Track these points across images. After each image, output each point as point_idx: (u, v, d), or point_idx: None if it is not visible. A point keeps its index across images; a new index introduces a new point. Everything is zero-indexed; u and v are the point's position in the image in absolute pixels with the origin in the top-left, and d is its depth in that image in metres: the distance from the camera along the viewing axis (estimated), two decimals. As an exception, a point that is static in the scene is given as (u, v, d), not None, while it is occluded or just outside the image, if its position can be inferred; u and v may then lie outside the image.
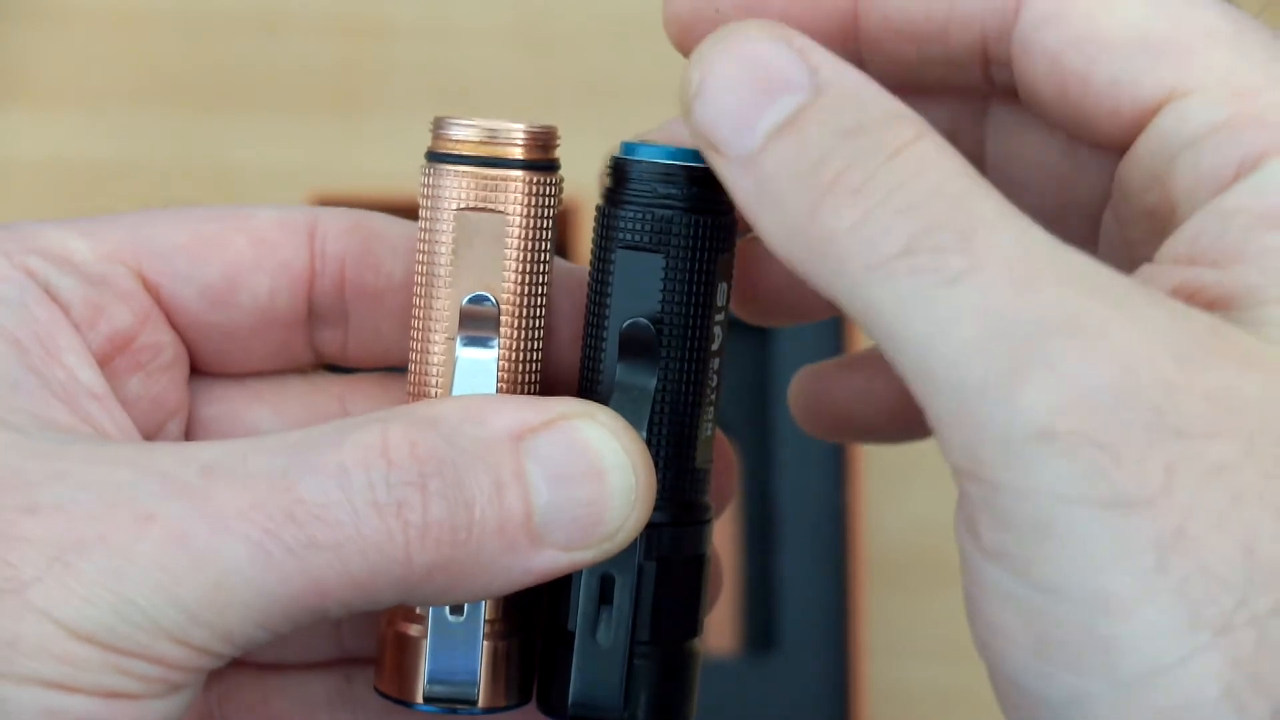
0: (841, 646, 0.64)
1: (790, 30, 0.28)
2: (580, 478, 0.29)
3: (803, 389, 0.39)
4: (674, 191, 0.31)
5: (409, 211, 0.76)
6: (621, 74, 0.74)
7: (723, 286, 0.32)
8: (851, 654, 0.63)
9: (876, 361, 0.36)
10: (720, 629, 0.66)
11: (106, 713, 0.27)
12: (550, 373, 0.33)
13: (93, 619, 0.27)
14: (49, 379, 0.30)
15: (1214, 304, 0.27)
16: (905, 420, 0.36)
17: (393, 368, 0.35)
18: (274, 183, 0.73)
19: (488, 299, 0.32)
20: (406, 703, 0.32)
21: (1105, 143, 0.30)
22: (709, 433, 0.32)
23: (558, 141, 0.33)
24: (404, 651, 0.32)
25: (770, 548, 0.67)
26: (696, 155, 0.30)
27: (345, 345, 0.35)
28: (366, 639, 0.35)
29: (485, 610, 0.32)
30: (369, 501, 0.28)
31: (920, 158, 0.27)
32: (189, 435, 0.34)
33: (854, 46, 0.31)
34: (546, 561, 0.29)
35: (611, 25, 0.76)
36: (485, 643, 0.32)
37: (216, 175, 0.74)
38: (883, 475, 0.68)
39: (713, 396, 0.32)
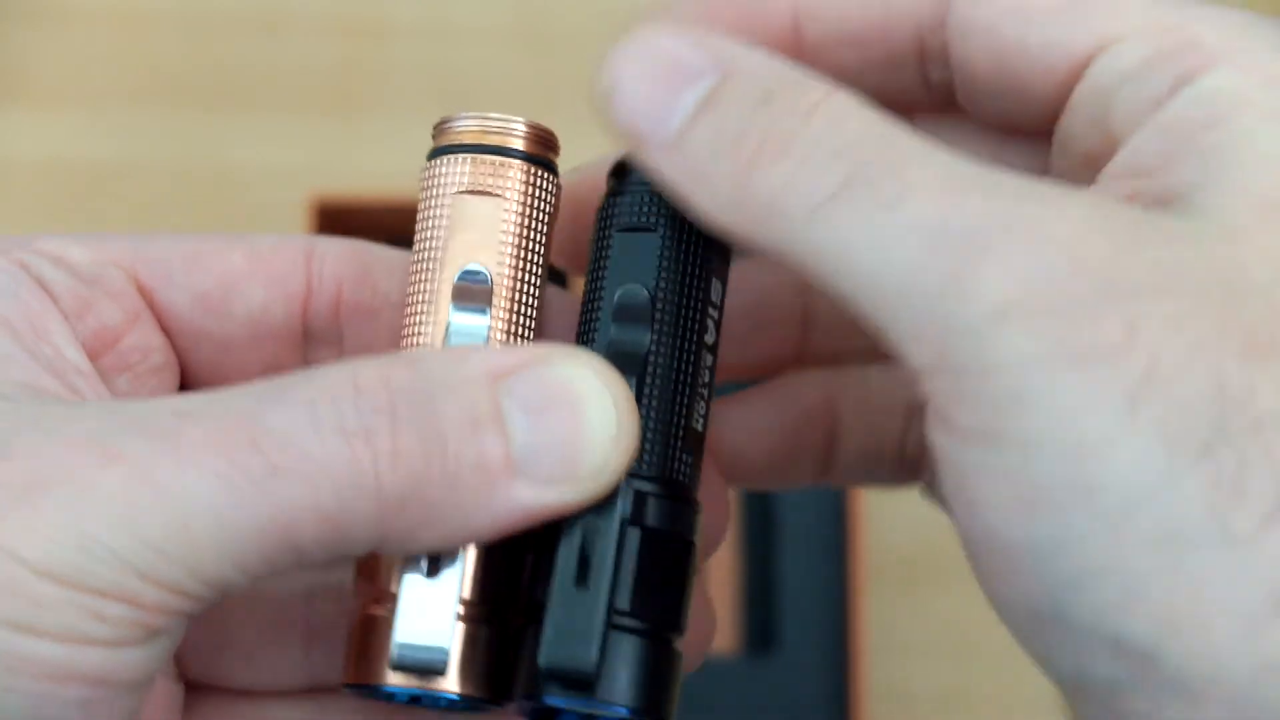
0: (841, 646, 0.64)
1: (690, 26, 0.30)
2: (558, 410, 0.29)
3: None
4: None
5: (408, 211, 0.76)
6: (621, 74, 0.74)
7: (717, 284, 0.32)
8: (851, 654, 0.64)
9: (754, 400, 0.37)
10: (720, 629, 0.66)
11: (79, 660, 0.27)
12: None
13: (57, 556, 0.26)
14: (38, 354, 0.30)
15: (1154, 204, 0.28)
16: (785, 458, 0.37)
17: None
18: (274, 183, 0.73)
19: (481, 272, 0.32)
20: (372, 685, 0.31)
21: (1042, 110, 0.31)
22: (700, 426, 0.32)
23: (558, 144, 0.33)
24: (372, 633, 0.31)
25: (770, 548, 0.67)
26: None
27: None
28: (339, 664, 0.33)
29: (463, 585, 0.30)
30: (336, 428, 0.27)
31: (836, 110, 0.28)
32: None
33: (797, 58, 0.32)
34: (528, 497, 0.28)
35: (611, 25, 0.76)
36: (462, 624, 0.30)
37: (216, 175, 0.74)
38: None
39: (705, 390, 0.32)
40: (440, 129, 0.33)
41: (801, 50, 0.32)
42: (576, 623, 0.29)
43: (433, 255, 0.32)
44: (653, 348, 0.31)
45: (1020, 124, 0.32)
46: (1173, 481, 0.25)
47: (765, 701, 0.64)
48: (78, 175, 0.74)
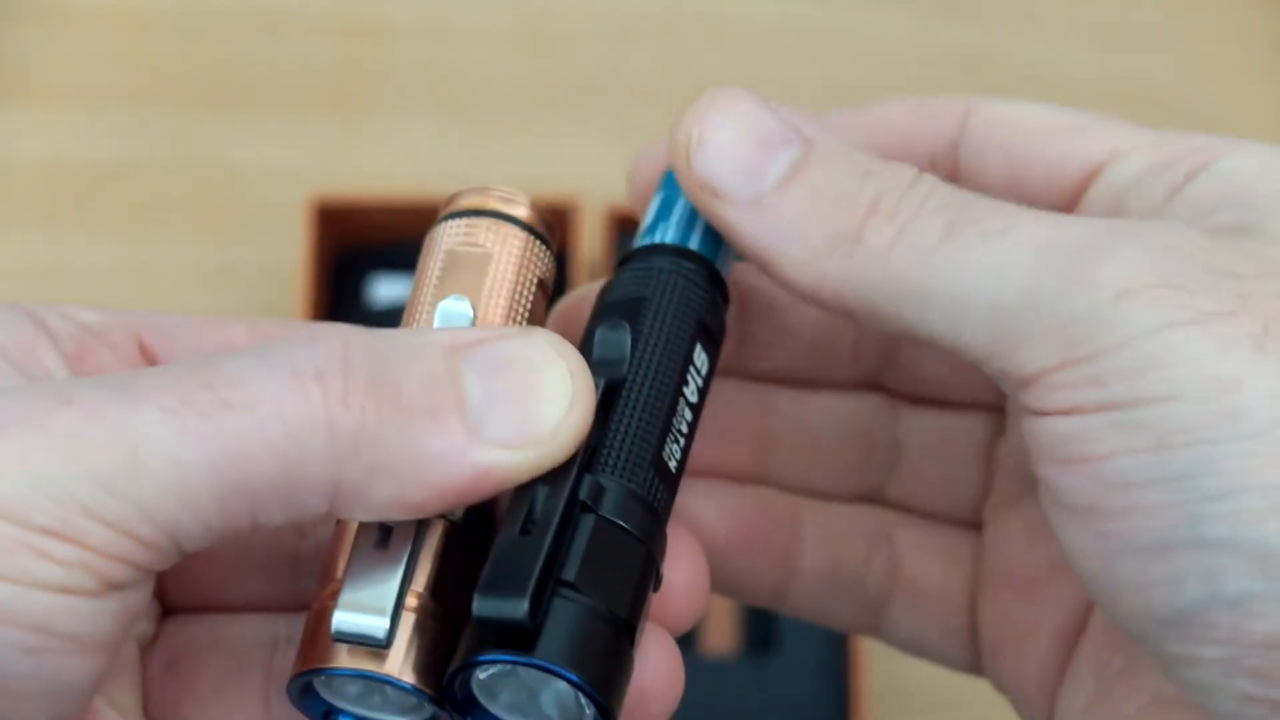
0: (841, 646, 0.64)
1: (759, 99, 0.33)
2: (513, 373, 0.29)
3: None
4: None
5: (408, 211, 0.76)
6: (621, 74, 0.74)
7: (703, 354, 0.33)
8: (851, 654, 0.63)
9: (725, 486, 0.39)
10: (720, 629, 0.66)
11: (25, 601, 0.26)
12: None
13: (6, 493, 0.26)
14: (27, 372, 0.30)
15: None
16: (746, 545, 0.38)
17: None
18: (274, 183, 0.73)
19: (466, 305, 0.32)
20: (313, 670, 0.30)
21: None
22: (672, 466, 0.32)
23: (555, 228, 0.34)
24: (320, 624, 0.30)
25: (770, 548, 0.67)
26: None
27: None
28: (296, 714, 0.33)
29: (415, 575, 0.30)
30: (288, 369, 0.28)
31: (933, 182, 0.32)
32: None
33: None
34: (481, 456, 0.28)
35: (611, 25, 0.76)
36: (412, 614, 0.30)
37: (216, 175, 0.74)
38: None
39: (680, 435, 0.32)
40: (447, 201, 0.34)
41: None
42: (513, 571, 0.29)
43: (423, 296, 0.33)
44: (631, 373, 0.31)
45: None
46: None
47: (765, 701, 0.64)
48: (78, 175, 0.74)
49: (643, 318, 0.32)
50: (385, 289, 0.69)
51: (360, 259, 0.69)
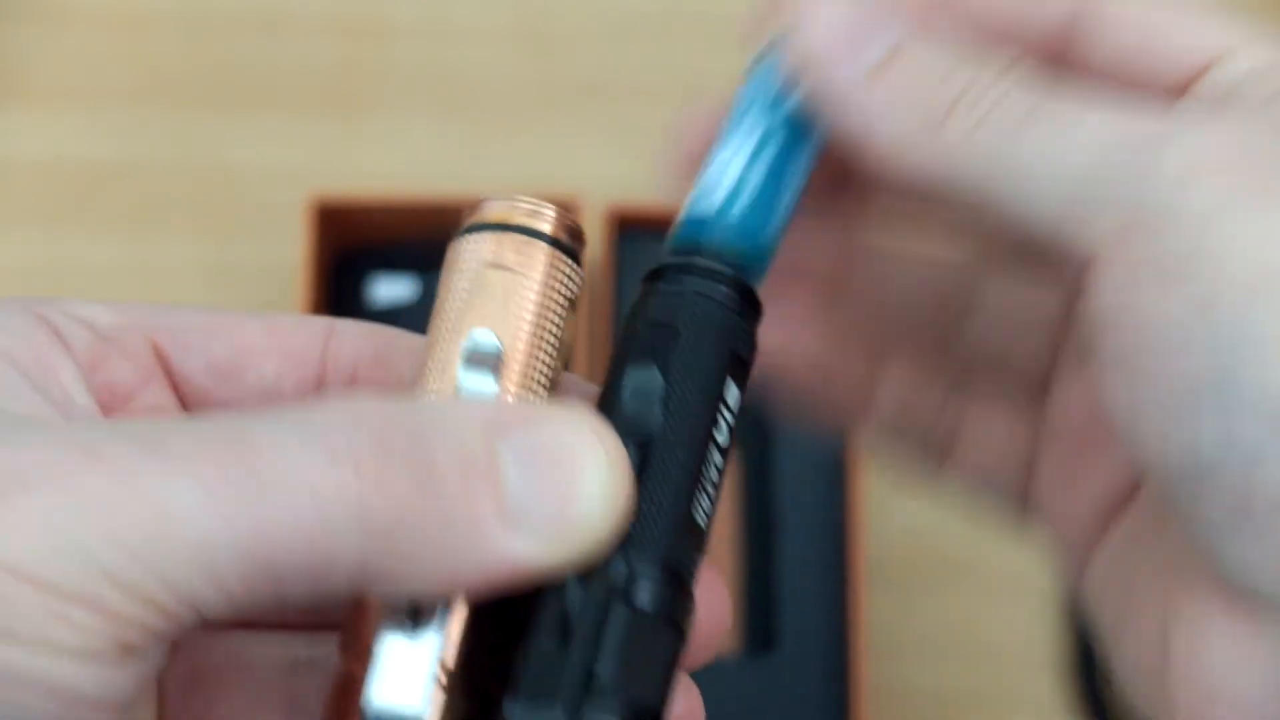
0: (841, 646, 0.64)
1: None
2: (553, 464, 0.28)
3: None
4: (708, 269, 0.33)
5: (408, 211, 0.76)
6: (621, 74, 0.74)
7: (734, 388, 0.32)
8: (851, 654, 0.63)
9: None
10: (720, 629, 0.66)
11: (47, 669, 0.26)
12: None
13: (30, 554, 0.26)
14: (46, 393, 0.30)
15: None
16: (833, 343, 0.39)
17: None
18: (274, 183, 0.73)
19: (493, 340, 0.31)
20: None
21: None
22: (702, 522, 0.31)
23: (584, 237, 0.33)
24: (348, 693, 0.30)
25: (770, 548, 0.67)
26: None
27: None
28: None
29: (445, 648, 0.30)
30: (325, 448, 0.27)
31: (1023, 71, 0.33)
32: None
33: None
34: (516, 548, 0.28)
35: (611, 25, 0.76)
36: (440, 692, 0.29)
37: (216, 175, 0.74)
38: (883, 476, 0.68)
39: (711, 487, 0.31)
40: (471, 210, 0.33)
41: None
42: (548, 678, 0.29)
43: (447, 323, 0.32)
44: (662, 431, 0.31)
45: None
46: None
47: (765, 701, 0.64)
48: (78, 175, 0.74)
49: (673, 358, 0.32)
50: (385, 289, 0.69)
51: (360, 259, 0.69)
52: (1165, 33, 0.34)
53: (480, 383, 0.31)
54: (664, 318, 0.32)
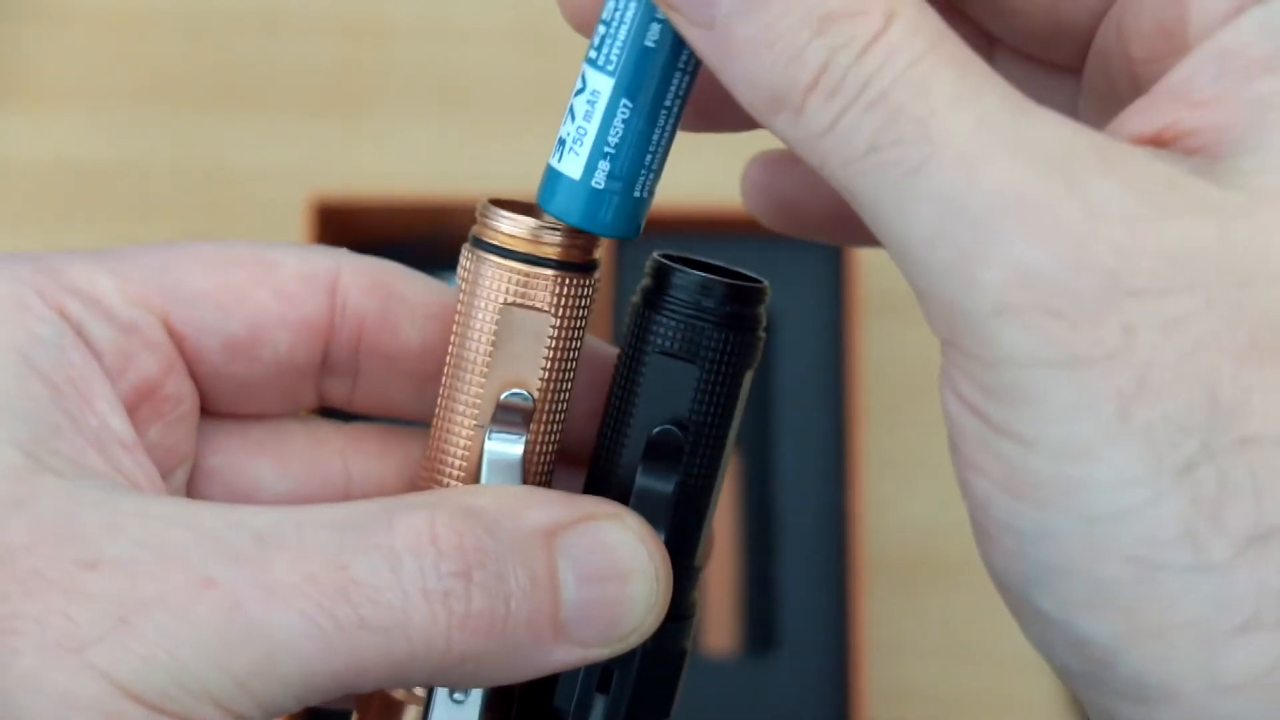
0: (841, 646, 0.64)
1: None
2: (607, 580, 0.31)
3: (752, 179, 0.38)
4: (713, 306, 0.32)
5: (408, 211, 0.75)
6: (621, 74, 0.74)
7: (743, 396, 0.32)
8: (851, 654, 0.63)
9: None
10: (720, 629, 0.66)
11: None
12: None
13: (147, 680, 0.27)
14: (83, 425, 0.31)
15: (1195, 150, 0.28)
16: (845, 220, 0.34)
17: (394, 420, 0.35)
18: (274, 183, 0.73)
19: (525, 396, 0.32)
20: None
21: (1087, 22, 0.31)
22: (708, 530, 0.33)
23: (600, 241, 0.32)
24: (388, 717, 0.32)
25: (770, 548, 0.67)
26: (737, 274, 0.32)
27: (351, 395, 0.35)
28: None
29: (485, 694, 0.32)
30: (419, 588, 0.29)
31: (889, 45, 0.27)
32: (192, 483, 0.34)
33: None
34: (564, 656, 0.30)
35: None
36: None
37: (216, 175, 0.74)
38: (882, 476, 0.68)
39: (717, 497, 0.33)
40: (485, 220, 0.32)
41: None
42: None
43: (472, 364, 0.32)
44: (679, 486, 0.32)
45: (1061, 28, 0.32)
46: (1153, 498, 0.25)
47: (765, 701, 0.64)
48: (78, 175, 0.74)
49: (693, 404, 0.32)
50: (385, 289, 0.69)
51: (360, 259, 0.69)
52: None
53: (508, 442, 0.32)
54: (677, 347, 0.32)
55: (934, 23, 0.27)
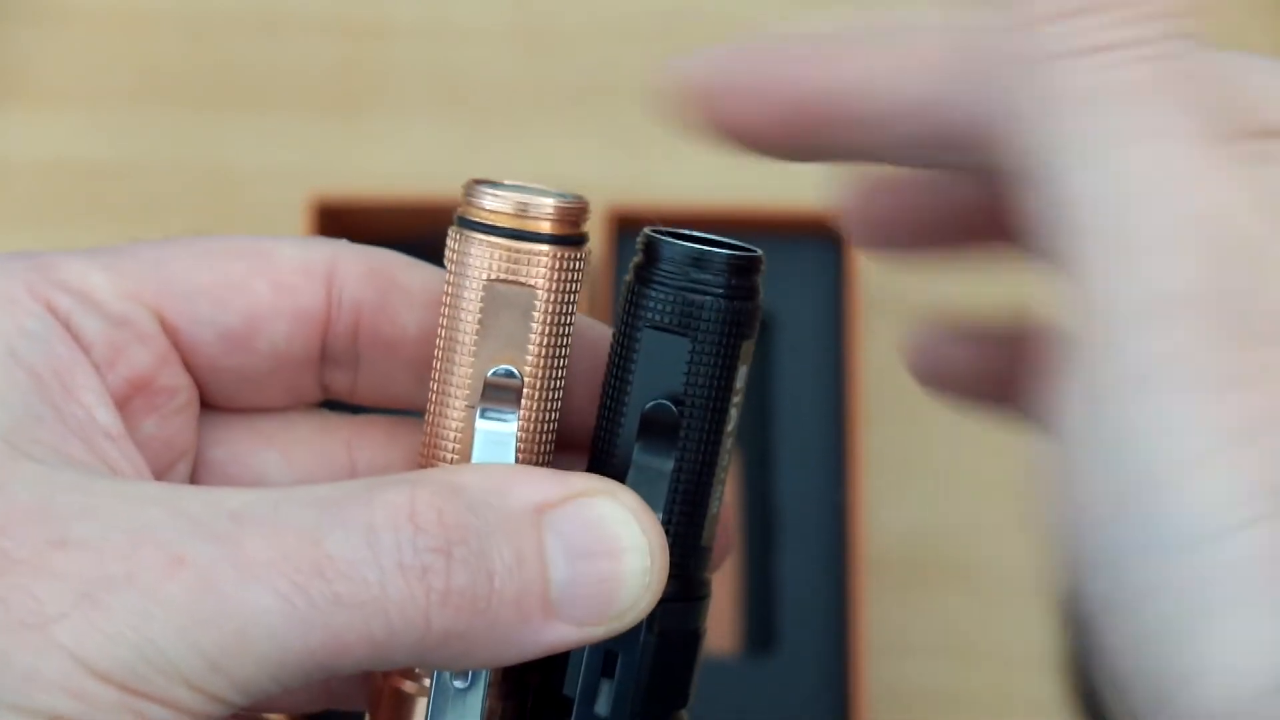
0: (841, 646, 0.64)
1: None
2: (598, 555, 0.30)
3: (917, 347, 0.38)
4: (706, 277, 0.31)
5: (408, 211, 0.75)
6: (621, 74, 0.74)
7: (743, 370, 0.32)
8: (851, 654, 0.64)
9: (987, 335, 0.37)
10: (720, 629, 0.66)
11: None
12: (561, 427, 0.33)
13: (114, 658, 0.27)
14: (66, 415, 0.30)
15: None
16: (1007, 394, 0.36)
17: (399, 410, 0.35)
18: (274, 183, 0.73)
19: (512, 373, 0.32)
20: None
21: None
22: (716, 510, 0.32)
23: (588, 212, 0.32)
24: (399, 710, 0.32)
25: (770, 548, 0.67)
26: (728, 244, 0.32)
27: (354, 386, 0.35)
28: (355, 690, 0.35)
29: (487, 677, 0.32)
30: (396, 563, 0.28)
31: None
32: (195, 477, 0.34)
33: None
34: (557, 636, 0.30)
35: (611, 25, 0.76)
36: (483, 703, 0.32)
37: (216, 175, 0.74)
38: (883, 476, 0.68)
39: (723, 475, 0.32)
40: (470, 199, 0.32)
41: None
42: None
43: (460, 344, 0.32)
44: (676, 467, 0.32)
45: None
46: (1235, 530, 0.25)
47: (765, 701, 0.64)
48: (78, 175, 0.74)
49: (687, 378, 0.31)
50: (385, 289, 0.69)
51: (360, 259, 0.69)
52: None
53: (499, 421, 0.32)
54: (669, 320, 0.32)
55: None
